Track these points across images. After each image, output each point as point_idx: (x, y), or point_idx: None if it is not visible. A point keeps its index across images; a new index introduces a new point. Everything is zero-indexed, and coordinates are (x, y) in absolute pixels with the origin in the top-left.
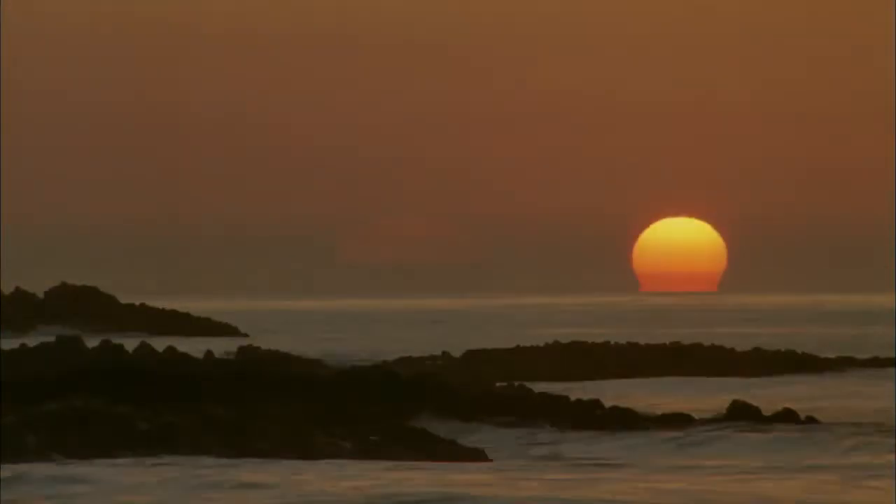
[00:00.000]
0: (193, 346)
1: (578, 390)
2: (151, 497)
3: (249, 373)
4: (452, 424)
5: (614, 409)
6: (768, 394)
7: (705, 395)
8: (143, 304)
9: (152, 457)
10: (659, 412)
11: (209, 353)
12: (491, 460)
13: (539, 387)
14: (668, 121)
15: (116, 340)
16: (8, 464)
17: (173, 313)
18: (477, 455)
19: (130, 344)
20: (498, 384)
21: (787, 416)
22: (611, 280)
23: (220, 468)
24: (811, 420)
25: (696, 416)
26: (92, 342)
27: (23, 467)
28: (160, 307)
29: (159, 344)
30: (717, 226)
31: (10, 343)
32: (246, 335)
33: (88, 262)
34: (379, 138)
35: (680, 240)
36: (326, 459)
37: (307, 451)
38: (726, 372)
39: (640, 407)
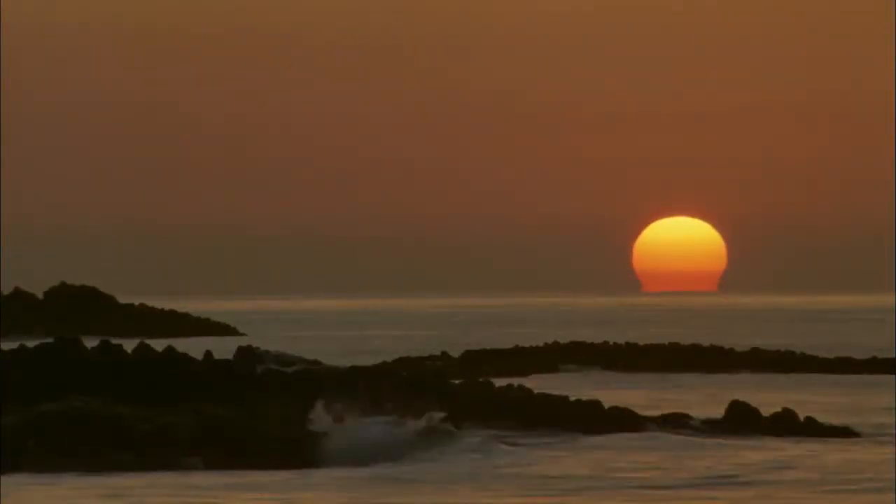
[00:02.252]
0: (193, 347)
1: (577, 385)
2: None
3: (249, 373)
4: (451, 425)
5: (614, 409)
6: (767, 394)
7: (704, 395)
8: (142, 304)
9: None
10: (658, 412)
11: (208, 353)
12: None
13: (538, 379)
14: (667, 121)
15: (115, 341)
16: (6, 475)
17: (173, 313)
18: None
19: (129, 344)
20: (497, 385)
21: (786, 417)
22: (611, 280)
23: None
24: (810, 421)
25: (694, 416)
26: (91, 342)
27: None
28: (159, 307)
29: (158, 344)
30: (717, 226)
31: (10, 343)
32: (245, 335)
33: (88, 262)
34: (379, 139)
35: (680, 240)
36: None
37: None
38: (725, 372)
39: (639, 407)
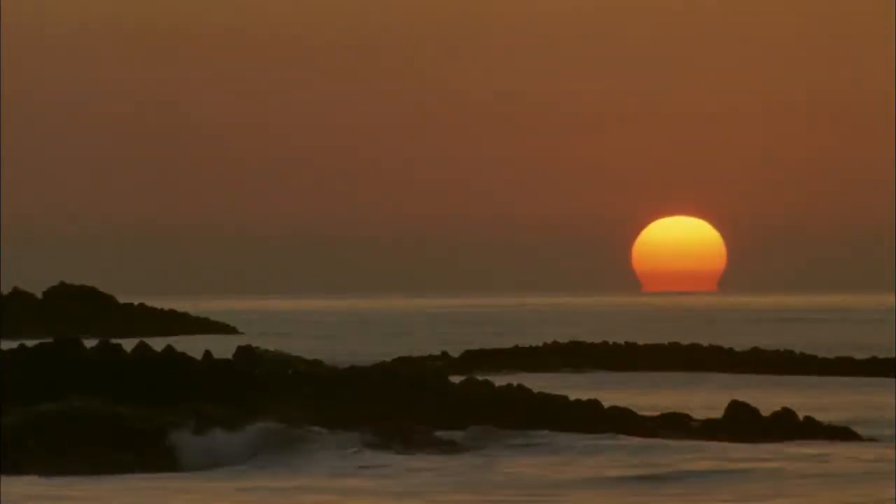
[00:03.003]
0: (192, 346)
1: (576, 385)
2: None
3: (248, 373)
4: (451, 425)
5: (613, 408)
6: (767, 394)
7: (703, 395)
8: (141, 304)
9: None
10: (657, 412)
11: (208, 353)
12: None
13: (538, 379)
14: (667, 120)
15: (115, 340)
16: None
17: (172, 313)
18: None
19: (129, 344)
20: (497, 385)
21: (785, 417)
22: (611, 280)
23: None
24: (810, 420)
25: (694, 416)
26: (90, 342)
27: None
28: (159, 307)
29: (158, 344)
30: (717, 226)
31: (9, 343)
32: (244, 335)
33: (88, 262)
34: (379, 139)
35: (680, 239)
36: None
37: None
38: (724, 372)
39: (638, 406)
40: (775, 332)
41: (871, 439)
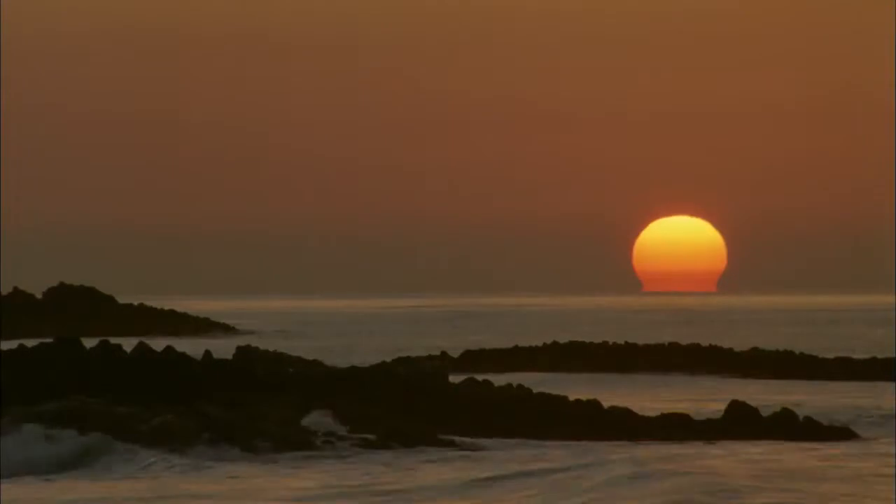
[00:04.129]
0: (192, 346)
1: (577, 385)
2: None
3: (248, 373)
4: (451, 426)
5: (613, 409)
6: (767, 394)
7: (703, 395)
8: (141, 304)
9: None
10: (657, 413)
11: (207, 353)
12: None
13: (538, 379)
14: (667, 120)
15: (114, 341)
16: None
17: (172, 313)
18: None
19: (129, 344)
20: (497, 384)
21: (785, 417)
22: (611, 280)
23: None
24: (809, 421)
25: (693, 416)
26: (90, 342)
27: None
28: (158, 307)
29: (157, 344)
30: (717, 226)
31: (9, 343)
32: (244, 335)
33: (87, 262)
34: (380, 140)
35: (680, 240)
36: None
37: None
38: (724, 372)
39: (638, 407)
40: (775, 332)
41: (871, 439)
